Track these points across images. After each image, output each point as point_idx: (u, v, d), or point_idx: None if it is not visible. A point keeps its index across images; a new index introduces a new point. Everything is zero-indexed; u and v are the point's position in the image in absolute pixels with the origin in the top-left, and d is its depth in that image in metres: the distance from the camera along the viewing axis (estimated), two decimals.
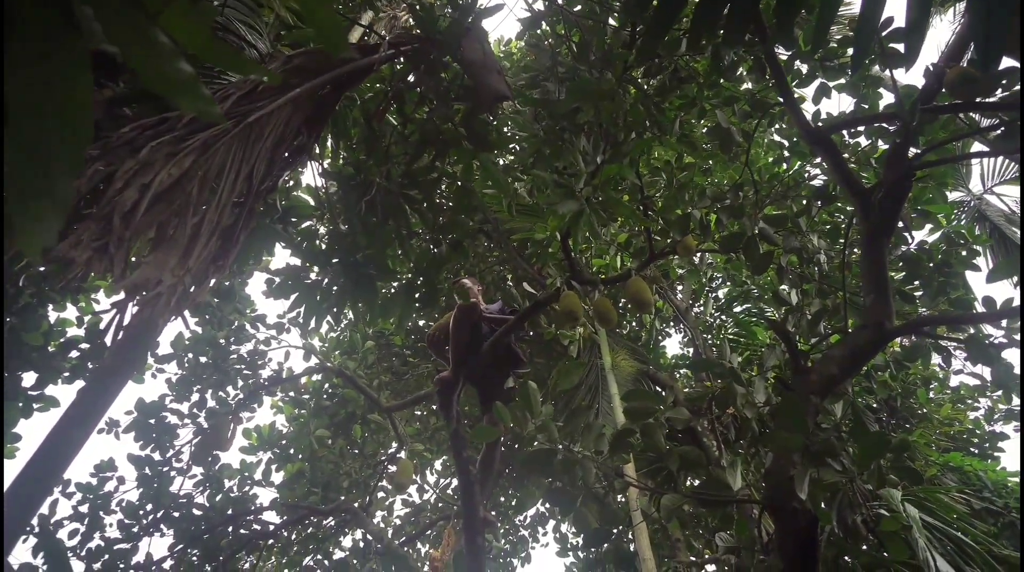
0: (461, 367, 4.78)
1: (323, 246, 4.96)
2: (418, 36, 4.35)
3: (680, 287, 11.10)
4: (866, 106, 4.68)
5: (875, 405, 9.38)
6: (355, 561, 9.83)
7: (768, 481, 2.69)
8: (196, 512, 8.56)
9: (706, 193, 4.73)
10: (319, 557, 10.13)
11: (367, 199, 4.49)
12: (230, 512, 8.76)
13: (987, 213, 11.13)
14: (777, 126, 6.07)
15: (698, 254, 6.81)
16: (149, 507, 8.31)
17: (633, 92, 4.75)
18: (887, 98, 4.69)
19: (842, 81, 4.60)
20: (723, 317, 11.04)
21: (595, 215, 3.90)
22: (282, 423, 10.32)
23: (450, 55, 4.21)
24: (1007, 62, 2.80)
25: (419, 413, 11.25)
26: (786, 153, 6.33)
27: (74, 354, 6.56)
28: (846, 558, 2.94)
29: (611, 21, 5.16)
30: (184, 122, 2.43)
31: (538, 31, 5.72)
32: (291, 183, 5.92)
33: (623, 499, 7.57)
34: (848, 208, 5.45)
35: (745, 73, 5.24)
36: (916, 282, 4.79)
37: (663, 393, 8.80)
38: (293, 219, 5.11)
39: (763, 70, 4.60)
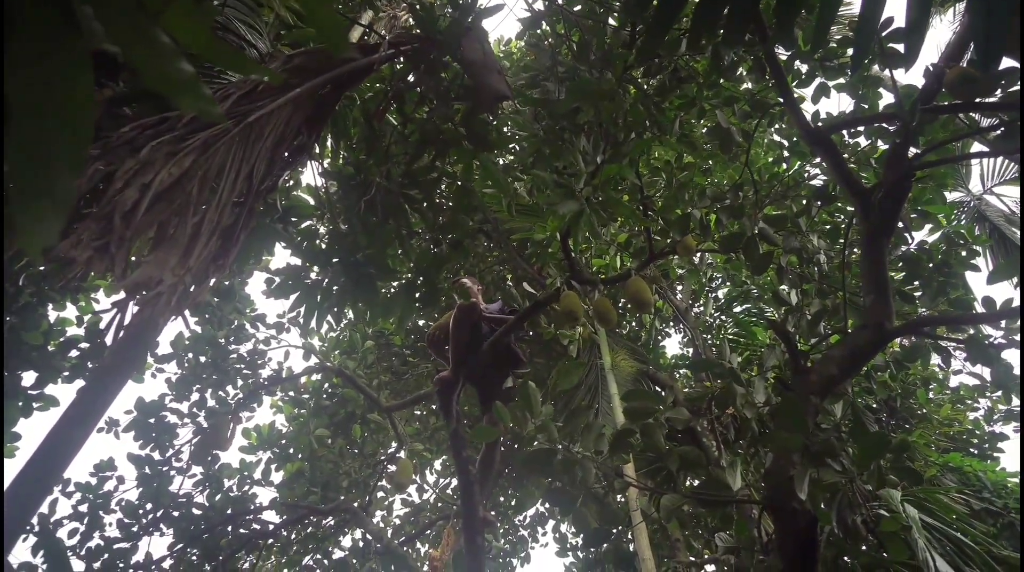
0: (461, 367, 4.78)
1: (323, 246, 4.96)
2: (418, 36, 4.35)
3: (680, 287, 11.10)
4: (866, 106, 4.69)
5: (875, 405, 9.38)
6: (355, 561, 9.84)
7: (768, 481, 2.69)
8: (196, 511, 8.56)
9: (706, 193, 4.73)
10: (319, 557, 10.14)
11: (367, 199, 4.49)
12: (230, 511, 8.77)
13: (987, 213, 11.14)
14: (777, 126, 6.07)
15: (698, 254, 6.82)
16: (149, 506, 8.31)
17: (633, 92, 4.75)
18: (887, 98, 4.69)
19: (841, 81, 4.60)
20: (723, 317, 11.04)
21: (595, 215, 3.90)
22: (282, 423, 10.33)
23: (450, 55, 4.21)
24: (1007, 62, 2.80)
25: (419, 413, 11.26)
26: (786, 153, 6.33)
27: (74, 353, 6.56)
28: (846, 558, 2.94)
29: (611, 21, 5.16)
30: (184, 122, 2.43)
31: (538, 31, 5.72)
32: (291, 183, 5.92)
33: (622, 499, 7.57)
34: (848, 208, 5.45)
35: (745, 73, 5.24)
36: (916, 282, 4.79)
37: (663, 393, 8.80)
38: (293, 219, 5.11)
39: (763, 70, 4.60)
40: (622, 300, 9.12)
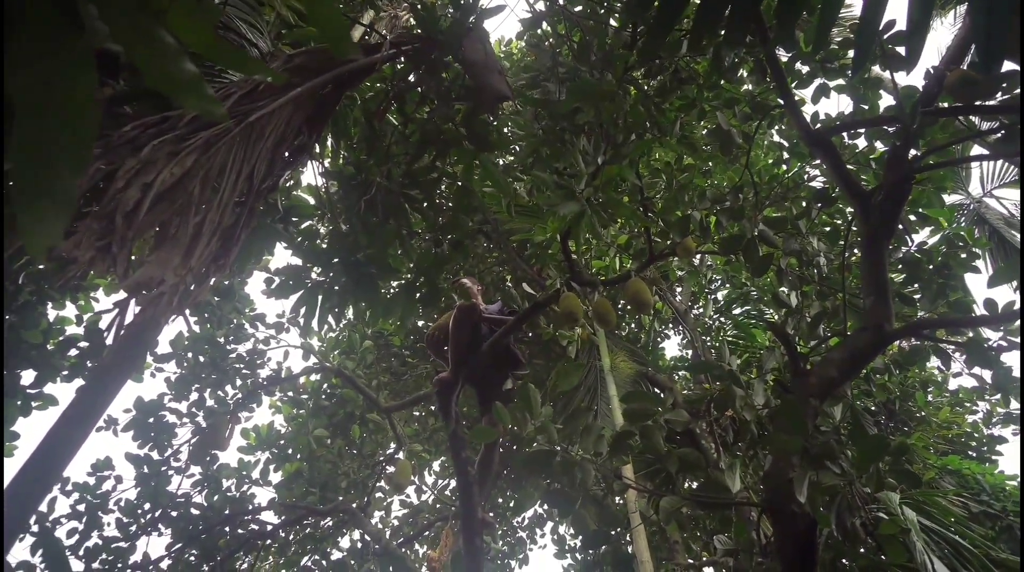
0: (460, 368, 4.78)
1: (324, 246, 4.96)
2: (419, 36, 4.35)
3: (679, 289, 11.11)
4: (866, 107, 4.69)
5: (873, 408, 9.39)
6: (353, 562, 9.82)
7: (767, 484, 2.69)
8: (194, 511, 8.55)
9: (706, 195, 4.73)
10: (317, 557, 10.11)
11: (368, 199, 4.49)
12: (228, 512, 8.75)
13: (986, 216, 11.15)
14: (777, 128, 6.07)
15: (698, 256, 6.82)
16: (147, 506, 8.30)
17: (633, 93, 4.75)
18: (887, 99, 4.70)
19: (842, 82, 4.61)
20: (722, 319, 11.04)
21: (596, 216, 3.90)
22: (280, 423, 10.32)
23: (451, 55, 4.21)
24: (1008, 65, 2.81)
25: (418, 413, 11.25)
26: (786, 155, 6.34)
27: (73, 352, 6.55)
28: (844, 561, 2.94)
29: (612, 21, 5.16)
30: (185, 121, 2.43)
31: (539, 31, 5.72)
32: (291, 182, 5.92)
33: (621, 501, 7.57)
34: (848, 210, 5.45)
35: (746, 75, 5.24)
36: (916, 285, 4.80)
37: (662, 395, 8.80)
38: (294, 219, 5.11)
39: (764, 72, 4.60)
40: (622, 301, 9.12)
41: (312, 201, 5.48)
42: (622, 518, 7.49)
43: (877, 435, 3.02)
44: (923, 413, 9.78)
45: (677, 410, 3.12)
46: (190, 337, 8.82)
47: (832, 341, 4.73)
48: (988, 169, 11.38)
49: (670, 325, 11.84)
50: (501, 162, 7.08)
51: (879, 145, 4.98)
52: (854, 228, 4.52)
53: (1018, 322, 3.46)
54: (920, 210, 5.01)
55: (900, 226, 4.48)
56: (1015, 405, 9.82)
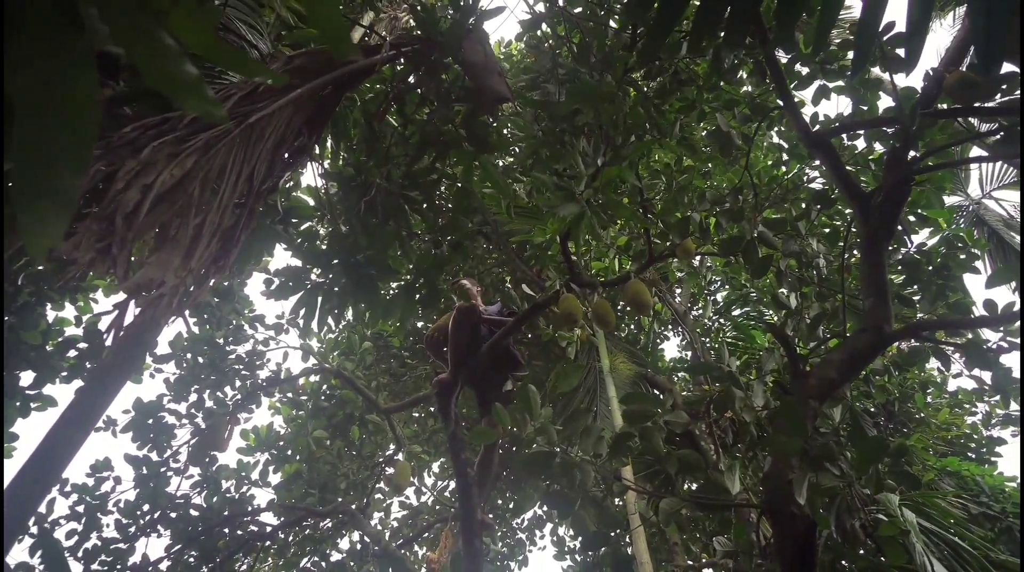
0: (460, 369, 4.77)
1: (323, 247, 4.96)
2: (419, 37, 4.35)
3: (679, 290, 11.11)
4: (865, 108, 4.69)
5: (873, 409, 9.39)
6: (352, 563, 9.81)
7: (766, 485, 2.69)
8: (193, 513, 8.54)
9: (706, 196, 4.74)
10: (316, 559, 10.11)
11: (367, 200, 4.49)
12: (227, 513, 8.75)
13: (985, 218, 11.16)
14: (776, 129, 6.08)
15: (697, 257, 6.82)
16: (146, 507, 8.29)
17: (633, 94, 4.75)
18: (885, 100, 4.70)
19: (841, 83, 4.61)
20: (722, 320, 11.04)
21: (595, 217, 3.90)
22: (280, 424, 10.32)
23: (451, 56, 4.21)
24: (1007, 67, 2.81)
25: (417, 415, 11.25)
26: (785, 156, 6.34)
27: (72, 353, 6.55)
28: (844, 563, 2.94)
29: (611, 23, 5.16)
30: (185, 122, 2.43)
31: (538, 32, 5.73)
32: (291, 184, 5.92)
33: (621, 502, 7.57)
34: (847, 212, 5.45)
35: (745, 76, 5.25)
36: (915, 286, 4.80)
37: (661, 396, 8.80)
38: (293, 220, 5.11)
39: (763, 73, 4.61)
40: (621, 302, 9.12)
41: (312, 202, 5.48)
42: (622, 520, 7.48)
43: (876, 437, 3.03)
44: (922, 414, 9.78)
45: (677, 412, 3.12)
46: (189, 338, 8.82)
47: (831, 342, 4.73)
48: (987, 171, 11.40)
49: (669, 326, 11.84)
50: (501, 163, 7.08)
51: (878, 146, 4.99)
52: (853, 229, 4.52)
53: (1018, 323, 3.46)
54: (919, 211, 5.02)
55: (899, 227, 4.48)
56: (1015, 406, 9.83)
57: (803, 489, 2.49)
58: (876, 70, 4.74)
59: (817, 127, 4.81)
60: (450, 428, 4.81)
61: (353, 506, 9.12)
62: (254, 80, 3.10)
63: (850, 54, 4.39)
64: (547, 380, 9.09)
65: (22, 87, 0.80)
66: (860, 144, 5.21)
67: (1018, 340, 3.38)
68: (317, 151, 5.15)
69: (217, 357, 8.97)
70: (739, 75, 5.15)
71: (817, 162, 5.87)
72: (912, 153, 3.59)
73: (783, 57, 4.63)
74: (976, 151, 5.65)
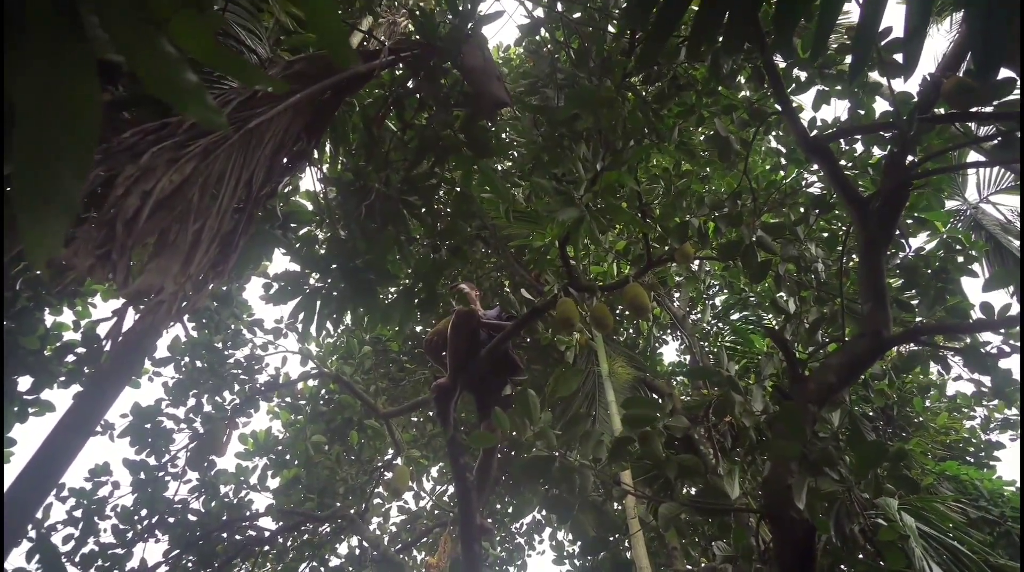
0: (459, 373, 4.77)
1: (322, 252, 4.96)
2: (418, 42, 4.35)
3: (678, 294, 11.11)
4: (862, 112, 4.71)
5: (871, 413, 9.39)
6: (351, 568, 9.81)
7: (766, 490, 2.69)
8: (191, 517, 8.52)
9: (704, 201, 4.74)
10: (315, 564, 10.09)
11: (366, 205, 4.49)
12: (225, 518, 8.73)
13: (983, 222, 11.17)
14: (774, 133, 6.09)
15: (696, 261, 6.83)
16: (144, 512, 8.27)
17: (632, 99, 4.76)
18: (883, 104, 4.70)
19: (839, 88, 4.62)
20: (720, 324, 11.05)
21: (595, 222, 3.90)
22: (278, 429, 10.31)
23: (450, 61, 4.22)
24: (1004, 72, 2.82)
25: (416, 419, 11.25)
26: (783, 161, 6.36)
27: (70, 358, 6.54)
28: (843, 567, 2.94)
29: (610, 28, 5.18)
30: (185, 127, 2.43)
31: (537, 37, 5.74)
32: (290, 189, 5.91)
33: (620, 507, 7.56)
34: (846, 216, 5.46)
35: (744, 81, 5.26)
36: (913, 290, 4.80)
37: (660, 401, 8.79)
38: (292, 225, 5.11)
39: (762, 78, 4.62)
40: (620, 306, 9.12)
41: (310, 207, 5.47)
42: (621, 524, 7.48)
43: (875, 441, 3.03)
44: (921, 419, 9.79)
45: (676, 416, 3.12)
46: (188, 342, 8.81)
47: (830, 347, 4.73)
48: (984, 175, 11.42)
49: (668, 330, 11.84)
50: (500, 168, 7.09)
51: (876, 151, 5.00)
52: (852, 234, 4.53)
53: (1017, 327, 3.46)
54: (917, 215, 5.03)
55: (898, 232, 4.49)
56: (1013, 410, 9.84)
57: (802, 493, 2.49)
58: (874, 75, 4.75)
59: (815, 132, 4.82)
60: (449, 432, 4.81)
61: (352, 511, 9.11)
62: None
63: (848, 59, 4.40)
64: (546, 384, 9.09)
65: (23, 92, 0.80)
66: (858, 148, 5.23)
67: (1018, 343, 3.38)
68: (316, 156, 5.15)
69: (216, 361, 8.97)
70: (738, 80, 5.16)
71: (815, 167, 5.88)
72: (910, 158, 3.61)
73: (781, 62, 4.64)
74: (974, 156, 5.66)
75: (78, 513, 8.07)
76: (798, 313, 5.02)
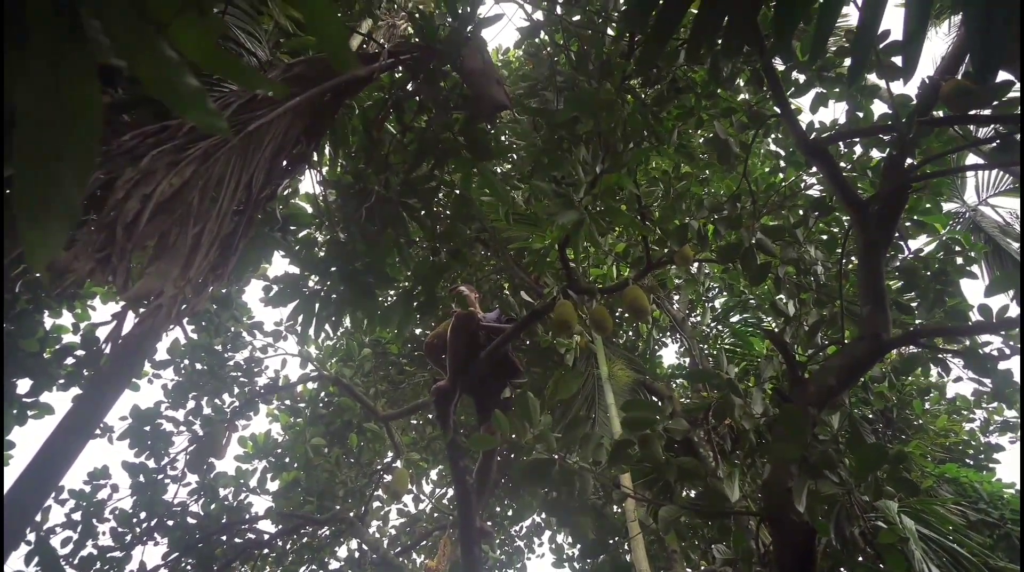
0: (458, 376, 4.77)
1: (322, 254, 4.96)
2: (417, 45, 4.36)
3: (677, 297, 11.11)
4: (860, 114, 4.71)
5: (871, 416, 9.39)
6: (350, 571, 9.79)
7: (766, 492, 2.69)
8: (191, 520, 8.51)
9: (704, 203, 4.75)
10: (314, 567, 10.09)
11: (366, 207, 4.49)
12: (225, 521, 8.72)
13: (982, 224, 11.19)
14: (774, 136, 6.10)
15: (695, 264, 6.83)
16: (143, 515, 8.26)
17: (631, 102, 4.77)
18: (882, 107, 4.71)
19: (838, 91, 4.63)
20: (720, 327, 11.04)
21: (594, 224, 3.90)
22: (278, 431, 10.30)
23: (450, 64, 4.22)
24: (1002, 75, 2.82)
25: (415, 422, 11.23)
26: (782, 163, 6.36)
27: (70, 361, 6.53)
28: (843, 570, 2.94)
29: (609, 31, 5.18)
30: (184, 130, 2.44)
31: (537, 40, 5.74)
32: (289, 191, 5.91)
33: (619, 510, 7.55)
34: (845, 219, 5.47)
35: (743, 84, 5.26)
36: (913, 292, 4.81)
37: (660, 403, 8.78)
38: (292, 227, 5.11)
39: (761, 81, 4.63)
40: (619, 309, 9.12)
41: (310, 210, 5.48)
42: (620, 527, 7.47)
43: (875, 444, 3.03)
44: (920, 421, 9.79)
45: (676, 419, 3.12)
46: (188, 345, 8.81)
47: (830, 349, 4.73)
48: (983, 178, 11.43)
49: (668, 333, 11.83)
50: (499, 171, 7.10)
51: (875, 153, 5.00)
52: (851, 236, 4.54)
53: (1017, 330, 3.46)
54: (916, 217, 5.03)
55: (897, 234, 4.49)
56: (1012, 413, 9.84)
57: (802, 496, 2.49)
58: (873, 77, 4.76)
59: (814, 135, 4.83)
60: (449, 435, 4.80)
61: (351, 514, 9.11)
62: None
63: (847, 62, 4.41)
64: (546, 387, 9.07)
65: (23, 94, 0.80)
66: (858, 150, 5.23)
67: (1017, 345, 3.38)
68: (315, 159, 5.15)
69: (215, 364, 8.96)
70: (737, 83, 5.17)
71: (815, 169, 5.89)
72: (909, 160, 3.61)
73: (780, 65, 4.65)
74: (973, 158, 5.67)
75: (77, 516, 8.06)
76: (798, 315, 5.02)
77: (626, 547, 7.41)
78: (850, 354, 3.06)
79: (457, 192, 4.95)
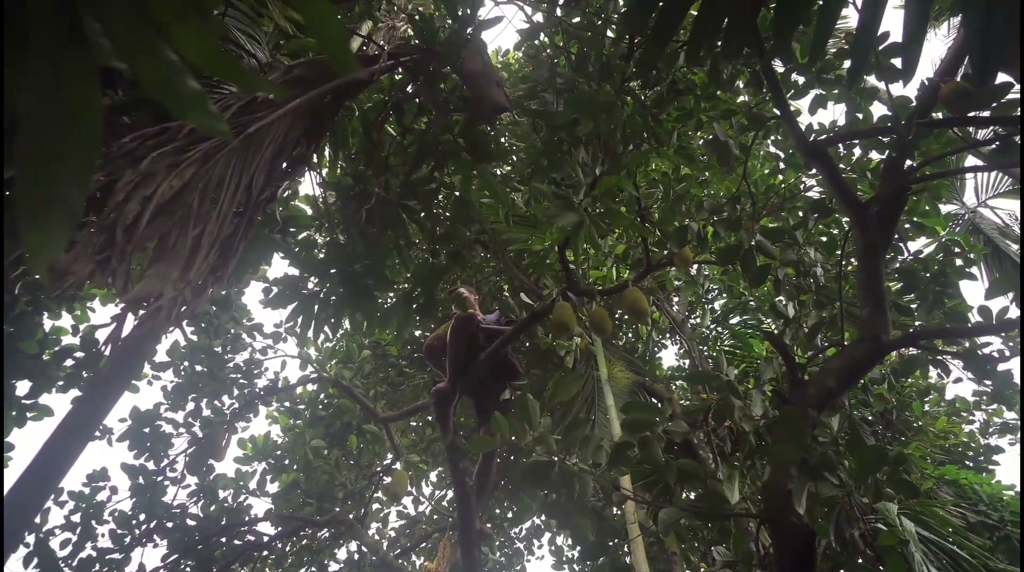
0: (458, 378, 4.77)
1: (321, 256, 4.96)
2: (417, 47, 4.36)
3: (677, 298, 11.11)
4: (860, 116, 4.72)
5: (871, 418, 9.39)
6: None
7: (765, 494, 2.68)
8: (190, 522, 8.50)
9: (703, 205, 4.75)
10: (313, 569, 10.08)
11: (366, 209, 4.49)
12: (224, 523, 8.71)
13: (981, 226, 11.20)
14: (773, 138, 6.11)
15: (695, 266, 6.83)
16: (142, 517, 8.25)
17: (631, 104, 4.77)
18: (882, 108, 4.72)
19: (836, 92, 4.63)
20: (720, 329, 11.04)
21: (594, 226, 3.91)
22: (277, 433, 10.29)
23: (449, 66, 4.22)
24: (1002, 77, 2.82)
25: (415, 424, 11.22)
26: (782, 165, 6.36)
27: (69, 363, 6.53)
28: None
29: (609, 33, 5.19)
30: (184, 132, 2.44)
31: (536, 42, 5.75)
32: (289, 193, 5.92)
33: (619, 512, 7.55)
34: (845, 221, 5.47)
35: (743, 86, 5.27)
36: (912, 294, 4.81)
37: (660, 405, 8.76)
38: (292, 229, 5.11)
39: (760, 83, 4.63)
40: (619, 311, 9.12)
41: (310, 211, 5.48)
42: (620, 529, 7.47)
43: (875, 445, 3.03)
44: (920, 423, 9.78)
45: (676, 421, 3.12)
46: (187, 346, 8.80)
47: (830, 351, 4.73)
48: (982, 179, 11.44)
49: (667, 335, 11.83)
50: (499, 172, 7.10)
51: (875, 155, 5.00)
52: (850, 238, 4.54)
53: (1017, 331, 3.47)
54: (915, 219, 5.03)
55: (896, 235, 4.50)
56: (1011, 415, 9.84)
57: (802, 498, 2.49)
58: (872, 79, 4.76)
59: (814, 136, 4.83)
60: (448, 437, 4.80)
61: (351, 516, 9.10)
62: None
63: (846, 64, 4.41)
64: (545, 389, 9.07)
65: (25, 97, 0.80)
66: (857, 152, 5.24)
67: (1015, 346, 3.38)
68: (315, 160, 5.15)
69: (215, 366, 8.95)
70: (736, 85, 5.17)
71: (814, 171, 5.89)
72: (909, 162, 3.61)
73: (780, 67, 4.65)
74: (972, 160, 5.68)
75: (76, 518, 8.04)
76: (797, 317, 5.02)
77: (626, 549, 7.40)
78: (850, 356, 3.06)
79: (457, 194, 4.95)
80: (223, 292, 8.05)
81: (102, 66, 0.86)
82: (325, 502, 9.70)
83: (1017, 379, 3.35)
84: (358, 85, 4.11)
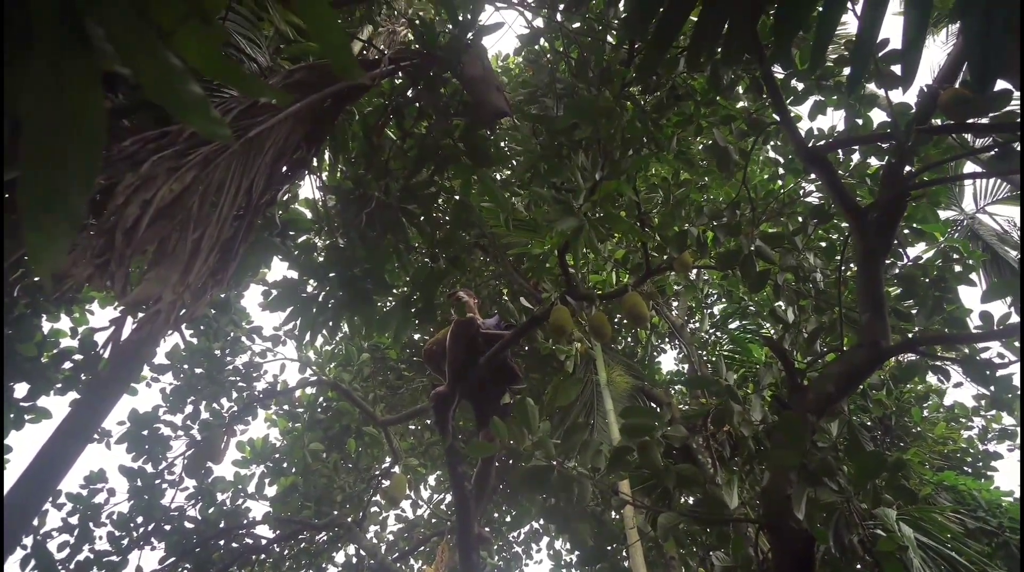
0: (457, 382, 4.77)
1: (321, 260, 4.96)
2: (418, 51, 4.37)
3: (676, 303, 11.11)
4: (859, 122, 4.73)
5: (870, 423, 9.38)
6: None
7: (764, 500, 2.68)
8: (188, 525, 8.49)
9: (703, 210, 4.75)
10: None
11: (366, 213, 4.50)
12: (222, 525, 8.70)
13: (980, 232, 11.21)
14: (772, 143, 6.11)
15: (694, 270, 6.84)
16: (140, 519, 8.23)
17: (631, 109, 4.78)
18: (881, 115, 4.73)
19: (836, 98, 4.64)
20: (719, 333, 11.04)
21: (594, 231, 3.91)
22: (276, 436, 10.27)
23: (450, 71, 4.23)
24: (1001, 84, 2.83)
25: (414, 427, 11.21)
26: (781, 170, 6.37)
27: (67, 365, 6.52)
28: None
29: (609, 38, 5.20)
30: (185, 136, 2.44)
31: (537, 47, 5.76)
32: (289, 196, 5.92)
33: (618, 516, 7.54)
34: (844, 226, 5.48)
35: (742, 91, 5.28)
36: (911, 299, 4.81)
37: (659, 410, 8.77)
38: (291, 233, 5.11)
39: (760, 89, 4.64)
40: (618, 315, 9.13)
41: (310, 215, 5.48)
42: (619, 534, 7.45)
43: (874, 451, 3.03)
44: (919, 429, 9.78)
45: (675, 425, 3.12)
46: (186, 349, 8.79)
47: (829, 357, 4.73)
48: (981, 186, 11.46)
49: (667, 339, 11.83)
50: (499, 177, 7.11)
51: (874, 161, 5.01)
52: (850, 244, 4.54)
53: (1016, 337, 3.47)
54: (914, 225, 5.04)
55: (895, 241, 4.50)
56: (1010, 421, 9.84)
57: (801, 504, 2.49)
58: (871, 86, 4.77)
59: (813, 142, 4.84)
60: (447, 441, 4.80)
61: (349, 519, 9.09)
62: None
63: (846, 70, 4.42)
64: (544, 393, 9.07)
65: (27, 101, 0.81)
66: (856, 158, 5.25)
67: (1014, 352, 3.39)
68: (316, 164, 5.16)
69: (214, 368, 8.94)
70: (736, 90, 5.18)
71: (814, 177, 5.90)
72: (908, 168, 3.62)
73: (780, 73, 4.66)
74: (971, 167, 5.69)
75: (74, 520, 8.02)
76: (797, 322, 5.02)
77: (624, 554, 7.39)
78: (849, 361, 3.06)
79: (457, 198, 4.96)
80: (222, 295, 8.04)
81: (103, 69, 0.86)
82: (323, 505, 9.69)
83: (1017, 384, 3.35)
84: (358, 89, 4.11)
